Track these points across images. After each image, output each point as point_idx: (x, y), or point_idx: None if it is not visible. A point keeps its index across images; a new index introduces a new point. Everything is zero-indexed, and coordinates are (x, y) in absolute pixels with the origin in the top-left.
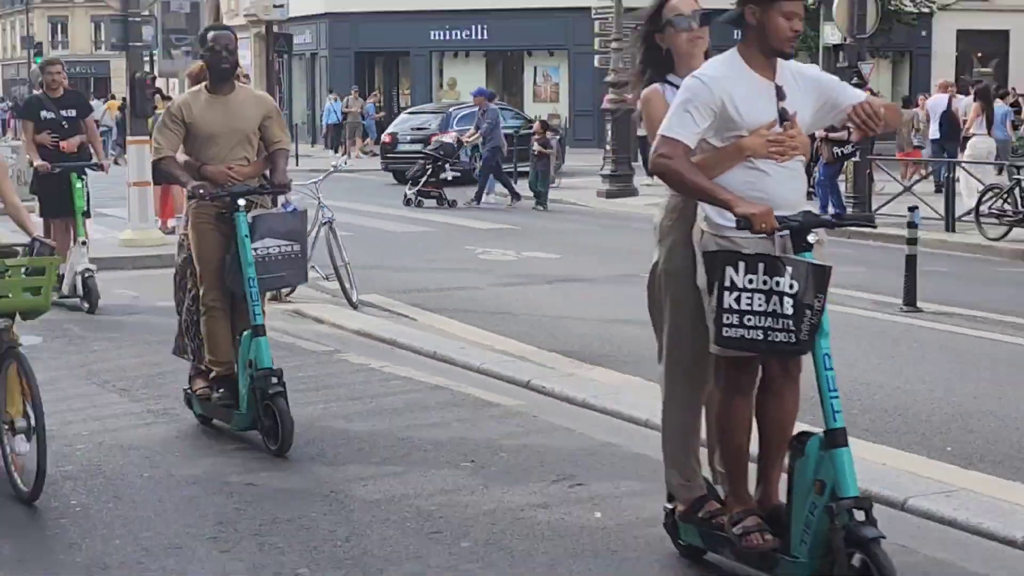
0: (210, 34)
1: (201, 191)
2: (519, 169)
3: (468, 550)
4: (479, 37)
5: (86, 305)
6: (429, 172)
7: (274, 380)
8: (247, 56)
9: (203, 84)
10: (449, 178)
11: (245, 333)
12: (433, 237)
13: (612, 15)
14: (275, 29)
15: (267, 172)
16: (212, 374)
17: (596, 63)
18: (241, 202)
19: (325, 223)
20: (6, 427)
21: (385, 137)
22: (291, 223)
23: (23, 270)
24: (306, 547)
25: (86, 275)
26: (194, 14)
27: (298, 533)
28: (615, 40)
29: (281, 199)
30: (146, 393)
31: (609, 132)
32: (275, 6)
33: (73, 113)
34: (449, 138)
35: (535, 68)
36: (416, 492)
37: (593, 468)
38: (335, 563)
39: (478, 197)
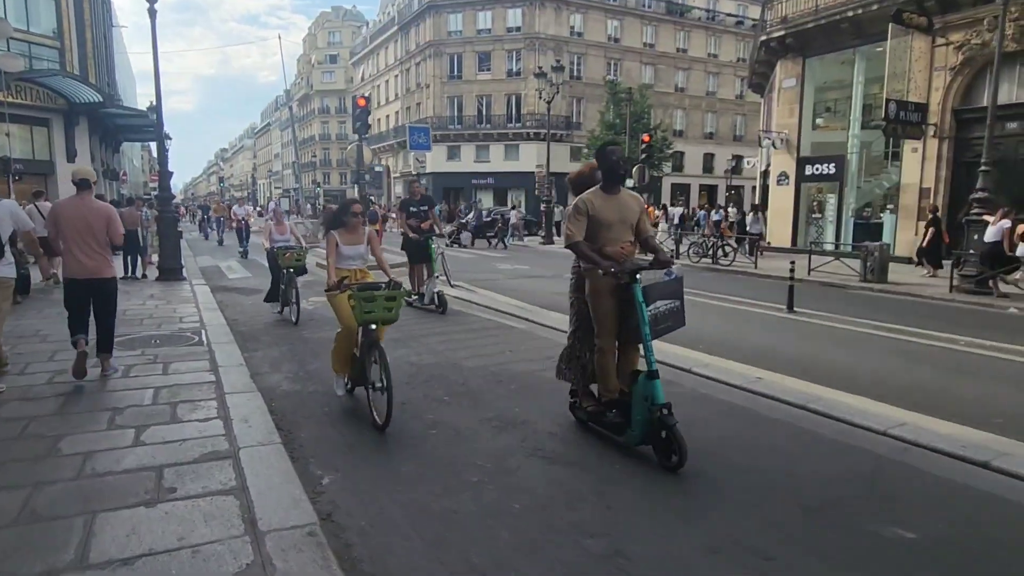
0: (608, 148)
1: (613, 270)
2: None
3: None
4: (489, 181)
5: (440, 309)
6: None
7: (668, 412)
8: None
9: (598, 186)
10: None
11: (642, 375)
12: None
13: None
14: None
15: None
16: (604, 399)
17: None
18: (639, 276)
19: (442, 252)
20: (371, 387)
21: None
22: (674, 287)
23: (384, 298)
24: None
25: (438, 293)
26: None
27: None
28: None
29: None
30: None
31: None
32: (420, 166)
33: (424, 207)
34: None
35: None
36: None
37: None
38: None
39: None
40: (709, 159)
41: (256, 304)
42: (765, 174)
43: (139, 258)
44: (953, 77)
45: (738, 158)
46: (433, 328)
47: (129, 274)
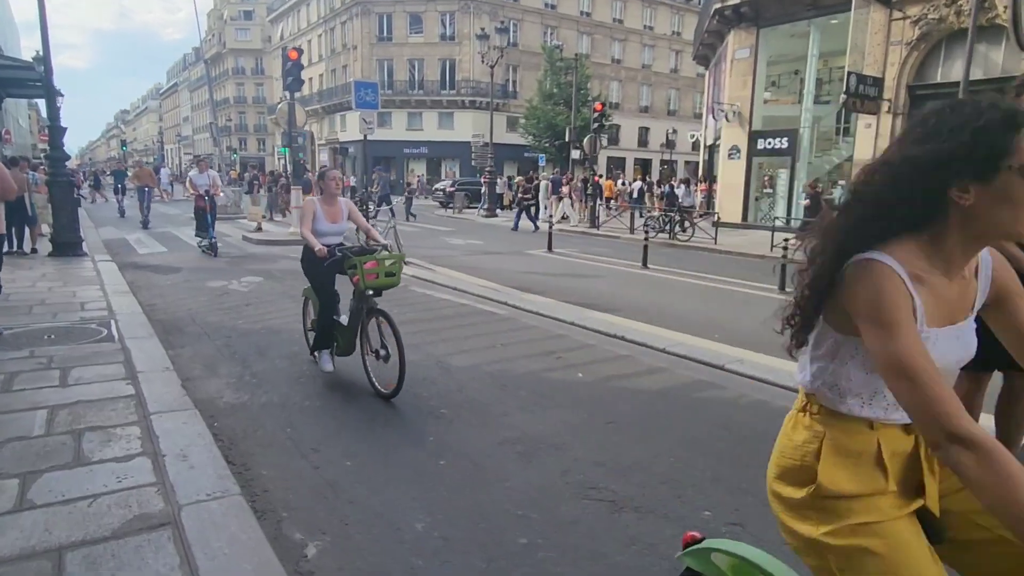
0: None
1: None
2: None
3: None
4: (423, 151)
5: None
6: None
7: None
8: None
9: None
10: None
11: None
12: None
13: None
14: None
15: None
16: None
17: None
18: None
19: (392, 227)
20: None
21: None
22: None
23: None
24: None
25: None
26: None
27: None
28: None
29: None
30: None
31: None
32: (367, 128)
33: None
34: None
35: (446, 164)
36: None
37: (566, 343)
38: None
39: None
40: (644, 133)
41: (176, 285)
42: (713, 148)
43: (26, 229)
44: (909, 52)
45: (674, 132)
46: (396, 314)
47: (15, 248)
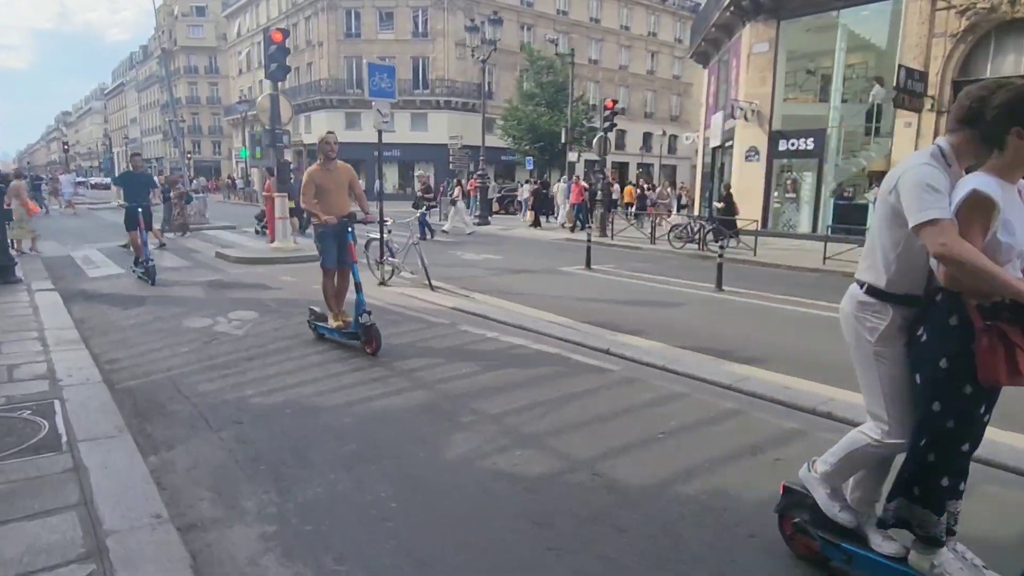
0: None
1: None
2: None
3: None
4: (395, 154)
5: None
6: None
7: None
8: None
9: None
10: None
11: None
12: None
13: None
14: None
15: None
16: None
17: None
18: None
19: (415, 244)
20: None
21: None
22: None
23: None
24: None
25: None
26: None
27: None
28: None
29: None
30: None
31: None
32: (383, 122)
33: None
34: None
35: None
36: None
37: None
38: None
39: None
40: (621, 135)
41: (144, 325)
42: (721, 150)
43: None
44: (955, 45)
45: (661, 135)
46: (468, 374)
47: None
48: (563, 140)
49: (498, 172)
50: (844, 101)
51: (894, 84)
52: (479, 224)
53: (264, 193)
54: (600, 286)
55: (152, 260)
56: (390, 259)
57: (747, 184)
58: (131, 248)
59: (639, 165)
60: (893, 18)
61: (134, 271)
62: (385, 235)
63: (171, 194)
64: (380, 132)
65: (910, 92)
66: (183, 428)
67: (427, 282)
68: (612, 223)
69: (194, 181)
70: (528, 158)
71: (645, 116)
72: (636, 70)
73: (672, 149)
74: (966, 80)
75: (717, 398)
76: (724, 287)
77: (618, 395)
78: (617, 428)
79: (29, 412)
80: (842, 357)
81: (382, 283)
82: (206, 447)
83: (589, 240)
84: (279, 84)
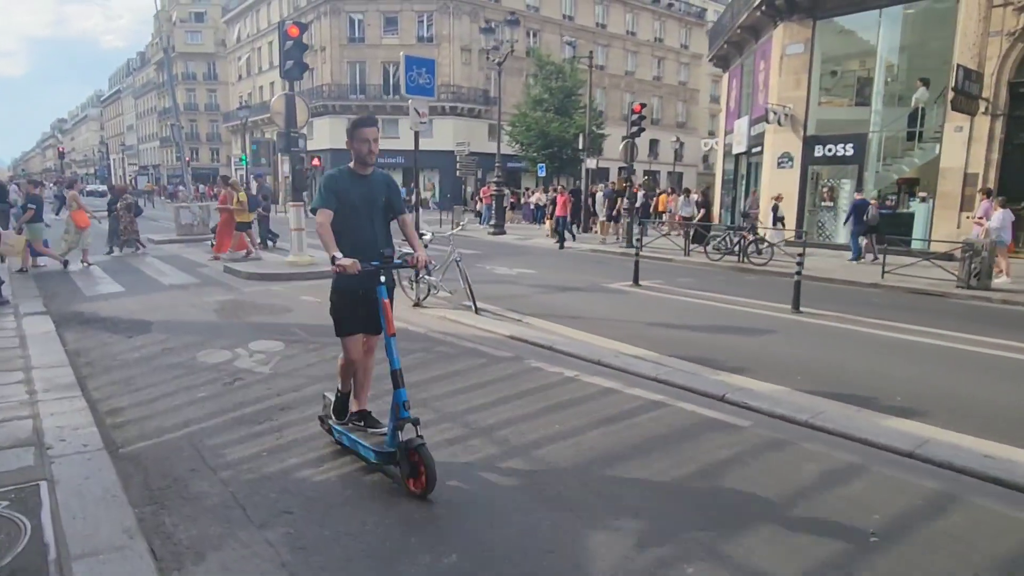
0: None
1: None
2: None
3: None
4: (399, 160)
5: None
6: None
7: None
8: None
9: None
10: None
11: None
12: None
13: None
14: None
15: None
16: None
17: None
18: None
19: (458, 260)
20: None
21: None
22: None
23: None
24: None
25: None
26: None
27: None
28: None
29: None
30: None
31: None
32: (421, 124)
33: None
34: None
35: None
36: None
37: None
38: None
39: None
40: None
41: (151, 360)
42: (747, 156)
43: None
44: (1012, 44)
45: (676, 141)
46: (561, 428)
47: None
48: (580, 146)
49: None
50: (889, 104)
51: (952, 85)
52: (495, 234)
53: (218, 205)
54: (660, 307)
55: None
56: (427, 277)
57: (780, 191)
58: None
59: (645, 172)
60: (942, 16)
61: None
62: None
63: (117, 205)
64: (416, 135)
65: (966, 94)
66: (214, 523)
67: (471, 304)
68: (642, 233)
69: (181, 188)
70: (540, 165)
71: (652, 123)
72: (642, 76)
73: (680, 156)
74: (1023, 82)
75: (908, 474)
76: (802, 309)
77: (775, 467)
78: (806, 526)
79: (6, 504)
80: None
81: (417, 304)
82: (249, 557)
83: (638, 254)
84: (294, 83)
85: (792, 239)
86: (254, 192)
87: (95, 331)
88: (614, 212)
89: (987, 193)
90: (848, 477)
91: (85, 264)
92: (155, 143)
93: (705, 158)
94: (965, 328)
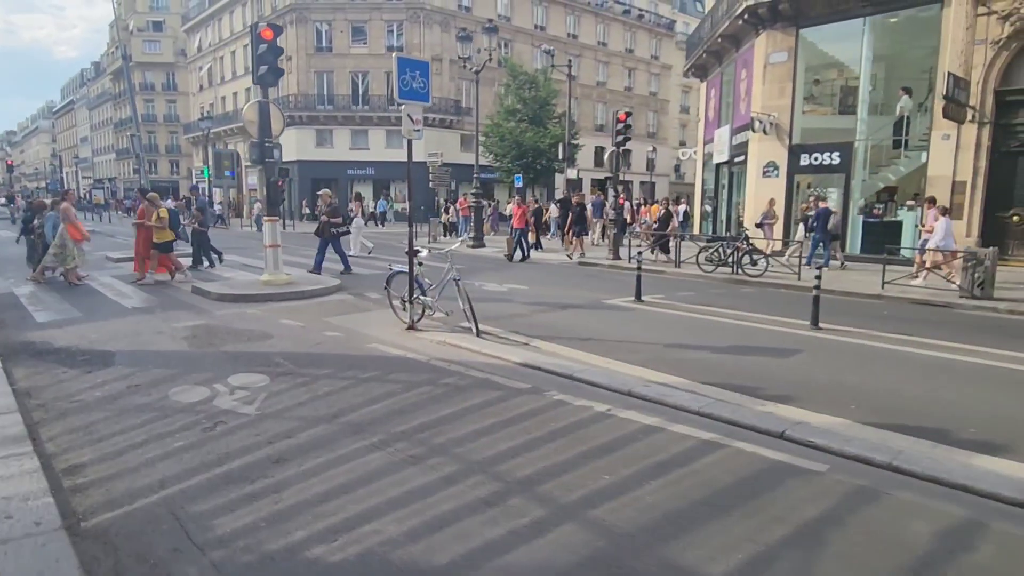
0: None
1: None
2: None
3: None
4: (369, 172)
5: None
6: None
7: None
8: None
9: None
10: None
11: None
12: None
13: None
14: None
15: None
16: None
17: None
18: None
19: (456, 279)
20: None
21: None
22: None
23: None
24: None
25: None
26: None
27: None
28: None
29: None
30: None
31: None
32: (414, 133)
33: None
34: None
35: (394, 186)
36: None
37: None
38: None
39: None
40: (600, 152)
41: (115, 401)
42: (729, 166)
43: None
44: (997, 52)
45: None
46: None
47: None
48: (560, 156)
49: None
50: (874, 113)
51: (943, 92)
52: (475, 247)
53: (135, 220)
54: (671, 325)
55: None
56: (422, 297)
57: (766, 201)
58: None
59: (619, 182)
60: (926, 25)
61: None
62: (416, 267)
63: (35, 223)
64: (410, 143)
65: (956, 101)
66: None
67: (472, 326)
68: (628, 246)
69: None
70: (517, 176)
71: (597, 126)
72: (614, 87)
73: (652, 166)
74: (1009, 90)
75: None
76: (821, 324)
77: (878, 527)
78: None
79: None
80: None
81: (412, 327)
82: None
83: (639, 269)
84: (268, 90)
85: (778, 248)
86: (194, 206)
87: (49, 365)
88: (568, 225)
89: (931, 202)
90: (968, 538)
91: (73, 283)
92: (111, 155)
93: (677, 168)
94: (993, 343)
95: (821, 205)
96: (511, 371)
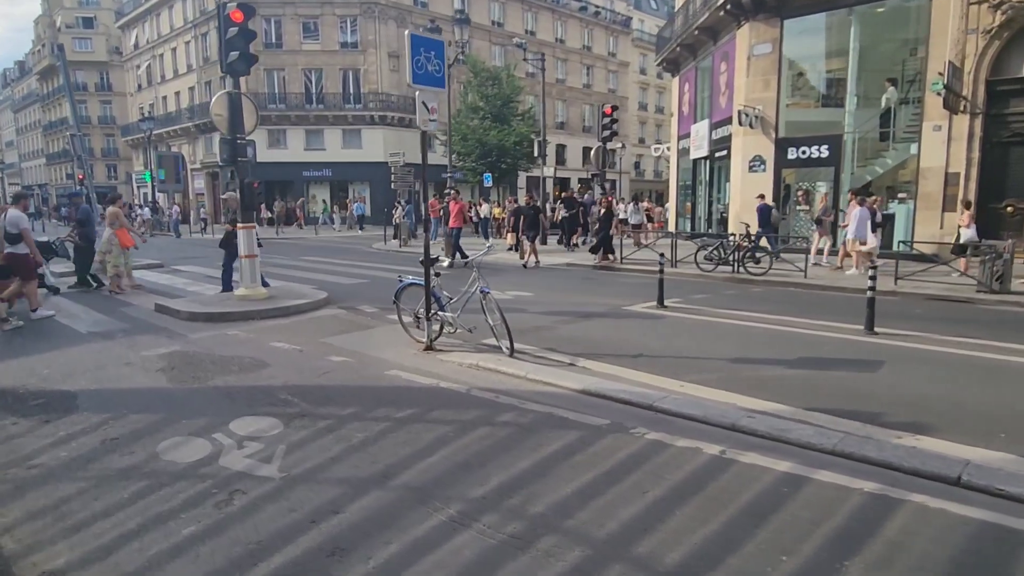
0: None
1: None
2: None
3: None
4: (326, 173)
5: None
6: None
7: None
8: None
9: None
10: None
11: None
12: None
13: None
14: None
15: None
16: None
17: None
18: None
19: (483, 291)
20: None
21: None
22: None
23: None
24: None
25: None
26: None
27: None
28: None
29: None
30: None
31: None
32: (430, 121)
33: None
34: None
35: (353, 188)
36: None
37: None
38: None
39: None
40: (562, 150)
41: (87, 458)
42: (709, 160)
43: None
44: (988, 41)
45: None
46: None
47: None
48: (535, 153)
49: (439, 190)
50: (862, 105)
51: (944, 82)
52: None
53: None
54: (718, 335)
55: None
56: (441, 313)
57: (752, 196)
58: None
59: (580, 180)
60: (914, 14)
61: None
62: (433, 280)
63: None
64: (424, 135)
65: (953, 91)
66: None
67: (505, 345)
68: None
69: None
70: (487, 175)
71: (584, 130)
72: (573, 84)
73: (613, 163)
74: (1001, 80)
75: None
76: (876, 329)
77: None
78: None
79: None
80: None
81: (429, 348)
82: None
83: (662, 272)
84: (239, 79)
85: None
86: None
87: None
88: (522, 229)
89: (854, 193)
90: None
91: (113, 292)
92: (40, 160)
93: (637, 165)
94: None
95: (760, 202)
96: (573, 401)
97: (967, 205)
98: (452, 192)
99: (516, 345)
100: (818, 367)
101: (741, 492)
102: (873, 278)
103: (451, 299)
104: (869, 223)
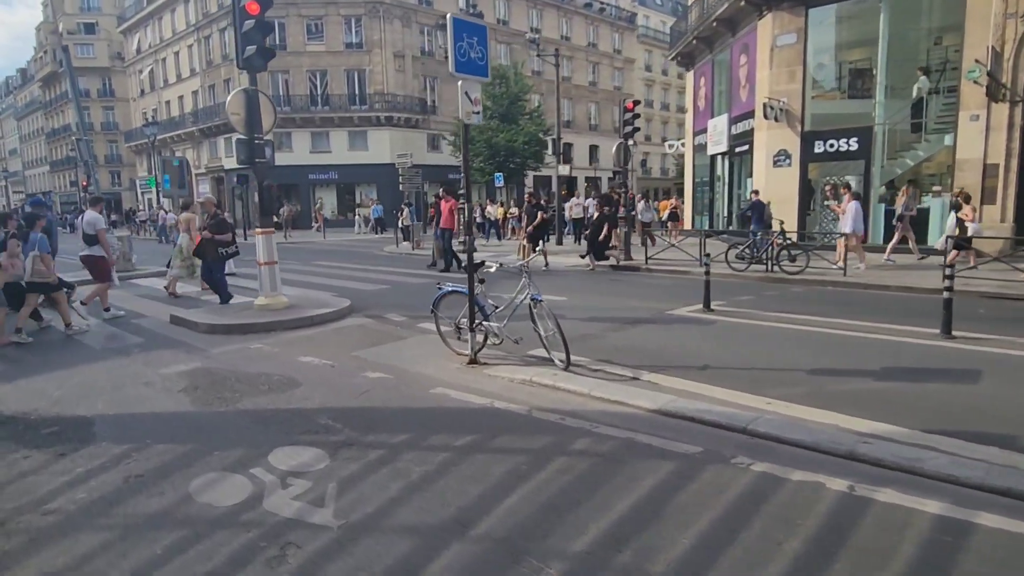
0: None
1: None
2: None
3: None
4: (332, 176)
5: None
6: None
7: None
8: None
9: None
10: None
11: None
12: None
13: (407, 166)
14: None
15: None
16: None
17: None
18: None
19: (535, 299)
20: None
21: None
22: None
23: None
24: None
25: None
26: None
27: None
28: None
29: None
30: None
31: None
32: (473, 113)
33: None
34: None
35: (360, 190)
36: None
37: None
38: None
39: None
40: (567, 148)
41: (112, 500)
42: (728, 157)
43: None
44: None
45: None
46: None
47: None
48: (550, 151)
49: (447, 191)
50: (893, 96)
51: (987, 70)
52: (463, 252)
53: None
54: (781, 342)
55: None
56: (486, 324)
57: (777, 192)
58: None
59: (587, 179)
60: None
61: None
62: (477, 287)
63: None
64: (466, 128)
65: (994, 79)
66: None
67: (561, 359)
68: (647, 245)
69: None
70: (498, 175)
71: (590, 128)
72: (579, 81)
73: (625, 161)
74: None
75: None
76: (955, 333)
77: None
78: None
79: None
80: None
81: (473, 361)
82: None
83: (707, 274)
84: (256, 76)
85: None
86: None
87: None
88: (530, 229)
89: (847, 187)
90: None
91: (173, 294)
92: (44, 168)
93: (643, 163)
94: None
95: (754, 198)
96: (651, 423)
97: (967, 199)
98: (441, 191)
99: (583, 362)
100: (909, 378)
101: (894, 543)
102: (951, 277)
103: (496, 308)
104: (863, 216)
